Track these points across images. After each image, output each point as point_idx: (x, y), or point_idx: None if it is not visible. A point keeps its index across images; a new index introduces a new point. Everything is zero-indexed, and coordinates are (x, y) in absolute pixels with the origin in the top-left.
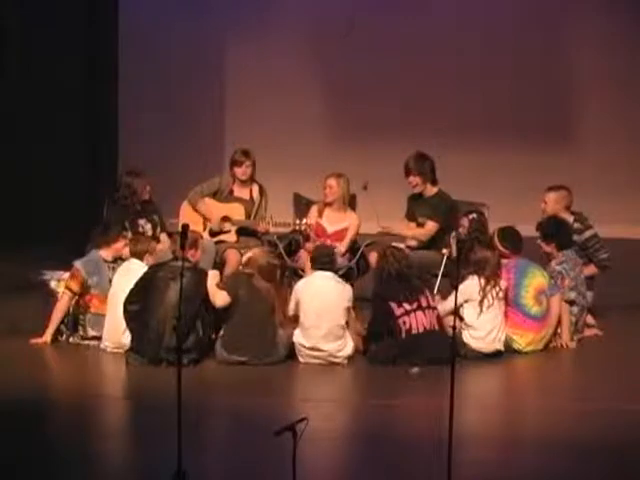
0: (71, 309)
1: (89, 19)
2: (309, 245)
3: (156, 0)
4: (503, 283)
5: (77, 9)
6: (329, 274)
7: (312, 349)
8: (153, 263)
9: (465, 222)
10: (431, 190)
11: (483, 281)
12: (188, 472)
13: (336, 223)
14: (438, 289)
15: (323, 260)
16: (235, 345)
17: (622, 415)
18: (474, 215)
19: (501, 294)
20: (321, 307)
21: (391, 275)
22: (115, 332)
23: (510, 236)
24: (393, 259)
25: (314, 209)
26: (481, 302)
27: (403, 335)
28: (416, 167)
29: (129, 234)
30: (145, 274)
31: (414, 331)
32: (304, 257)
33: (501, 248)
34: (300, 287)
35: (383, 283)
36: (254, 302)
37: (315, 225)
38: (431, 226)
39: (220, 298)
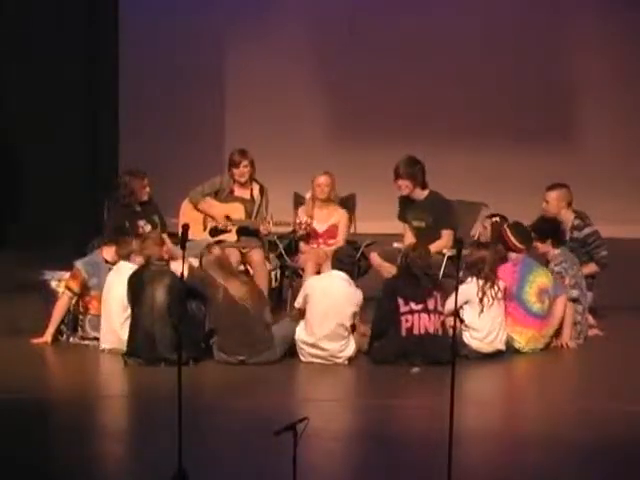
0: (71, 309)
1: (89, 19)
2: (304, 246)
3: (156, 0)
4: (502, 284)
5: (77, 9)
6: (344, 275)
7: (314, 346)
8: (139, 265)
9: (488, 224)
10: (421, 194)
11: (481, 282)
12: (188, 472)
13: (325, 221)
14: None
15: (344, 260)
16: (230, 347)
17: (622, 415)
18: (497, 219)
19: (500, 294)
20: (329, 306)
21: (408, 270)
22: (111, 332)
23: (522, 230)
24: (417, 256)
25: (302, 211)
26: (480, 302)
27: (404, 333)
28: (406, 171)
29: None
30: (131, 278)
31: (415, 331)
32: (302, 258)
33: (515, 242)
34: (312, 282)
35: (397, 277)
36: (240, 301)
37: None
38: (447, 235)
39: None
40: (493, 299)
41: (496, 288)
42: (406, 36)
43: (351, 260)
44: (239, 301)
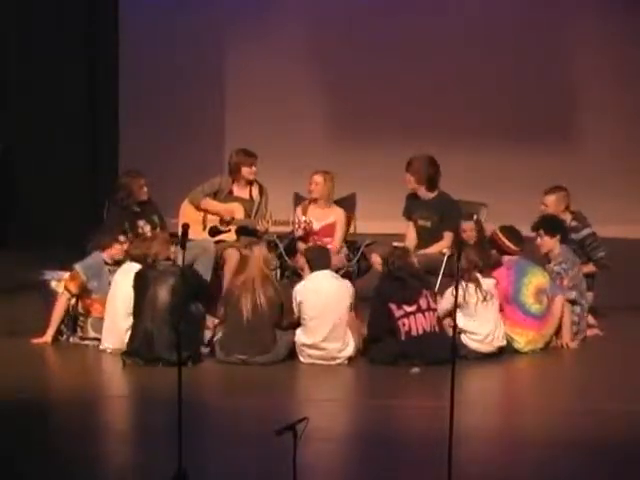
0: (70, 310)
1: (89, 19)
2: (302, 246)
3: (156, 0)
4: (489, 282)
5: (77, 9)
6: (327, 272)
7: (313, 347)
8: (143, 266)
9: (470, 225)
10: (428, 194)
11: (464, 284)
12: (188, 472)
13: (322, 219)
14: (438, 289)
15: (319, 260)
16: (233, 346)
17: (622, 415)
18: (476, 217)
19: (489, 296)
20: (324, 306)
21: (392, 275)
22: (114, 333)
23: (514, 232)
24: (396, 258)
25: (299, 209)
26: (468, 304)
27: (403, 337)
28: (412, 168)
29: (124, 237)
30: (136, 276)
31: (413, 333)
32: (302, 258)
33: (509, 244)
34: (301, 289)
35: (383, 283)
36: (251, 304)
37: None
38: (448, 236)
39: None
40: (480, 301)
41: (484, 288)
42: (406, 36)
43: (324, 256)
44: (257, 306)
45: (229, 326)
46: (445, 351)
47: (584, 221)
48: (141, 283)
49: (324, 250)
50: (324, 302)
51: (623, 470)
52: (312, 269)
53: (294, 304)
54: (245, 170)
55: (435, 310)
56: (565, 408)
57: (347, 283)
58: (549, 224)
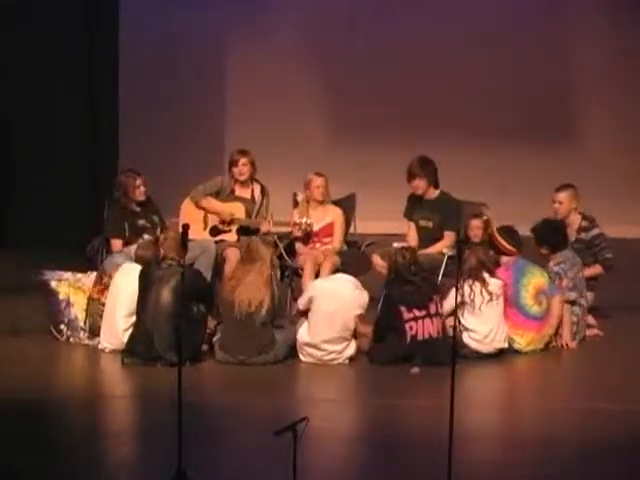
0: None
1: (89, 19)
2: (300, 247)
3: (156, 0)
4: (495, 282)
5: (77, 9)
6: (350, 278)
7: (315, 347)
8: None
9: (478, 223)
10: (433, 192)
11: (470, 281)
12: (188, 472)
13: (320, 220)
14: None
15: (354, 265)
16: (232, 346)
17: (622, 415)
18: (485, 216)
19: (493, 296)
20: (335, 309)
21: (402, 278)
22: (112, 332)
23: (512, 233)
24: (403, 260)
25: (296, 212)
26: (473, 304)
27: (408, 340)
28: (420, 171)
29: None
30: (141, 274)
31: (419, 337)
32: (302, 258)
33: (507, 246)
34: (318, 285)
35: (395, 285)
36: (245, 304)
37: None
38: (449, 236)
39: None
40: (485, 300)
41: (489, 288)
42: (406, 37)
43: (362, 263)
44: (249, 303)
45: (227, 326)
46: (446, 353)
47: (593, 222)
48: (145, 282)
49: (364, 259)
50: (336, 306)
51: (623, 470)
52: (345, 271)
53: (305, 295)
54: (234, 169)
55: (442, 315)
56: (565, 408)
57: (364, 293)
58: (537, 233)
